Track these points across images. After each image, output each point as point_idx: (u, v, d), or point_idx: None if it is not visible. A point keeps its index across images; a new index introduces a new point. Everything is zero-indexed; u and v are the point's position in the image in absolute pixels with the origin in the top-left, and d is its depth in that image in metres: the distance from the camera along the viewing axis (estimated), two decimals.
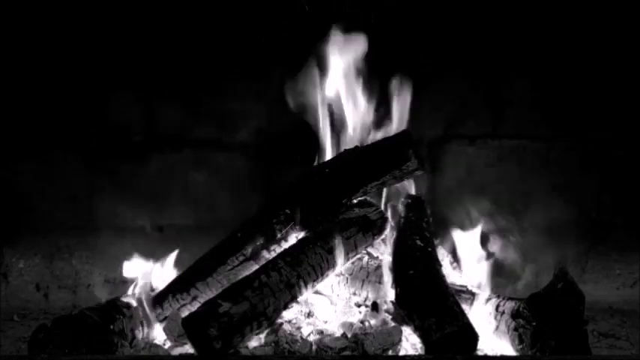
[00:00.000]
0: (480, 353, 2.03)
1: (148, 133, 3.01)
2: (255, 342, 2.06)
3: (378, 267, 2.33)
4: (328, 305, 2.28)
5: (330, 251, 2.19)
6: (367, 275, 2.32)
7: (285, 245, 2.27)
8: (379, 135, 2.57)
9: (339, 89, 2.62)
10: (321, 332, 2.15)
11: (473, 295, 2.25)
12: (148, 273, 2.39)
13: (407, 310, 2.09)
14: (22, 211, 3.00)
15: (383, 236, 2.39)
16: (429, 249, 2.29)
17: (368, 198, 2.42)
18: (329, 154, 2.59)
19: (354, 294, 2.33)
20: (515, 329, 2.04)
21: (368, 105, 2.61)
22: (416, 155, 2.33)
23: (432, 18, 2.94)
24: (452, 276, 2.45)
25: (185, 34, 2.94)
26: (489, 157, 3.04)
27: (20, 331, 2.57)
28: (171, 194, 3.00)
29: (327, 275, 2.22)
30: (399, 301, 2.15)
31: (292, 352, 2.03)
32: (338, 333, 2.14)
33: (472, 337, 1.93)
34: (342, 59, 2.61)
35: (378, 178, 2.35)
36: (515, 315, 2.07)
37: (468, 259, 2.46)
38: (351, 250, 2.26)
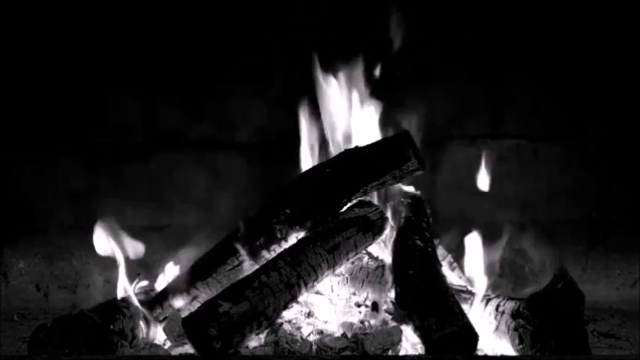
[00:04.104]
0: (480, 353, 2.03)
1: (148, 132, 3.02)
2: (255, 342, 2.06)
3: (378, 267, 2.33)
4: (328, 305, 2.29)
5: (330, 251, 2.19)
6: (367, 275, 2.32)
7: (285, 245, 2.27)
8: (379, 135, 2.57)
9: (338, 90, 2.62)
10: (321, 332, 2.15)
11: (473, 295, 2.25)
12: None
13: (407, 310, 2.09)
14: (22, 211, 3.00)
15: (383, 236, 2.39)
16: (429, 249, 2.29)
17: (368, 198, 2.42)
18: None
19: (354, 294, 2.33)
20: (515, 329, 2.04)
21: (367, 105, 2.61)
22: (416, 155, 2.33)
23: (433, 18, 2.94)
24: (452, 276, 2.45)
25: (186, 35, 2.95)
26: (489, 157, 3.04)
27: (20, 331, 2.57)
28: (171, 194, 3.00)
29: (327, 275, 2.22)
30: (399, 301, 2.15)
31: (292, 352, 2.03)
32: (338, 333, 2.14)
33: (472, 337, 1.93)
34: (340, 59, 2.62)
35: (377, 178, 2.35)
36: (515, 315, 2.07)
37: (467, 259, 2.46)
38: (351, 250, 2.26)
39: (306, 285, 2.13)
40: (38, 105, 2.97)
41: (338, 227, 2.26)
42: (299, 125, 2.64)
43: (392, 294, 2.24)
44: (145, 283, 2.40)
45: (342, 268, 2.30)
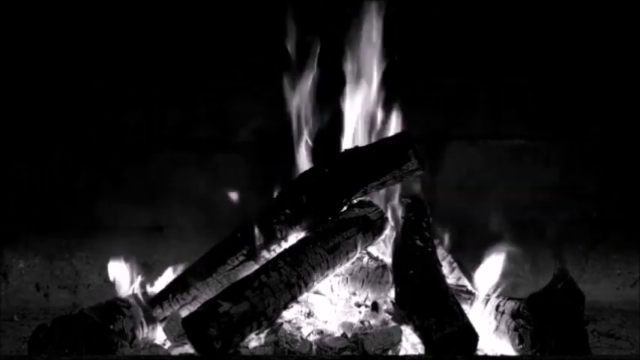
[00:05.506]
0: (480, 353, 2.03)
1: (148, 133, 3.02)
2: (255, 342, 2.06)
3: (378, 267, 2.33)
4: (328, 305, 2.28)
5: (330, 251, 2.19)
6: (367, 275, 2.32)
7: (285, 245, 2.27)
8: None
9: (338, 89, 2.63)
10: (321, 332, 2.15)
11: (473, 295, 2.25)
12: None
13: (407, 310, 2.09)
14: (22, 211, 3.00)
15: (383, 236, 2.39)
16: (429, 249, 2.29)
17: (368, 198, 2.42)
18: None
19: (354, 294, 2.33)
20: (515, 329, 2.04)
21: (366, 105, 2.61)
22: (416, 155, 2.33)
23: (432, 17, 2.94)
24: (452, 276, 2.45)
25: (186, 36, 2.95)
26: (489, 157, 3.04)
27: (20, 331, 2.57)
28: (171, 194, 3.00)
29: (327, 275, 2.22)
30: (399, 301, 2.15)
31: (292, 352, 2.03)
32: (338, 333, 2.14)
33: (472, 337, 1.93)
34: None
35: (377, 178, 2.35)
36: (515, 315, 2.07)
37: (467, 259, 2.46)
38: (351, 250, 2.26)
39: (306, 285, 2.13)
40: (38, 105, 2.97)
41: (338, 227, 2.26)
42: (299, 125, 2.64)
43: (392, 294, 2.24)
44: (145, 283, 2.39)
45: (342, 268, 2.30)
